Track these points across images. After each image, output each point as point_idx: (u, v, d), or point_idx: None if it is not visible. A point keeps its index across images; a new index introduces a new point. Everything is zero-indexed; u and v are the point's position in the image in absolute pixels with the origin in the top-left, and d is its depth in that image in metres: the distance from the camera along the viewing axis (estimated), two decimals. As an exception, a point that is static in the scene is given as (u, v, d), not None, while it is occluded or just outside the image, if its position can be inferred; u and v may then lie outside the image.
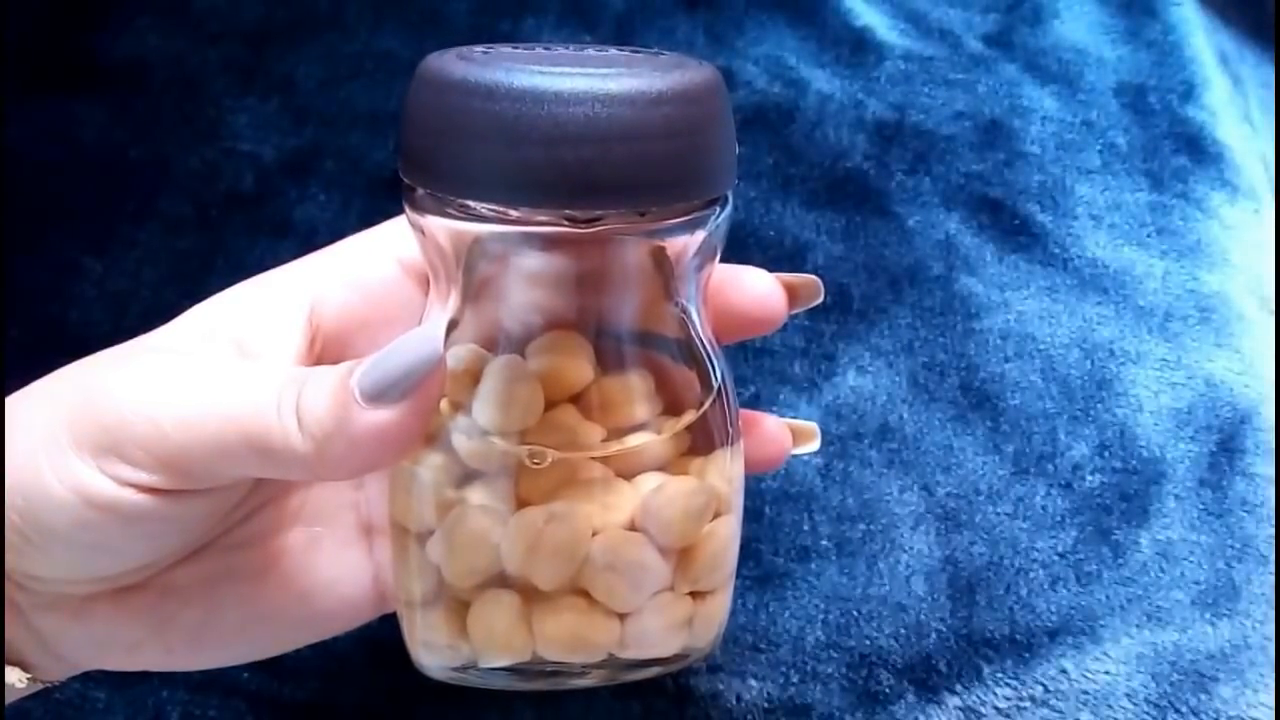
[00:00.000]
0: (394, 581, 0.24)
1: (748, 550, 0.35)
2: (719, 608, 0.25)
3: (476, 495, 0.23)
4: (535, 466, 0.23)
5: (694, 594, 0.24)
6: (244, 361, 0.23)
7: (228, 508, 0.24)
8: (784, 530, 0.35)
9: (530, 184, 0.20)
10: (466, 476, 0.23)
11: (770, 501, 0.36)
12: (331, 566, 0.26)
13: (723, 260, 0.27)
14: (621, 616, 0.23)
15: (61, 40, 0.45)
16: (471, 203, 0.21)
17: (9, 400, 0.22)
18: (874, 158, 0.42)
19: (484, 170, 0.20)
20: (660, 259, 0.23)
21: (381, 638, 0.32)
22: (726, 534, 0.24)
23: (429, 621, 0.24)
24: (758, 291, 0.26)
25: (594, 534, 0.23)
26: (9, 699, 0.25)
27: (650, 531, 0.23)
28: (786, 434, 0.27)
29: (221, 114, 0.43)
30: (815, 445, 0.28)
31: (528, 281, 0.23)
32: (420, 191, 0.22)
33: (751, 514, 0.35)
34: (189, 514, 0.22)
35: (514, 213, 0.20)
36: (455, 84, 0.20)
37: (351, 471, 0.21)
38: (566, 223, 0.21)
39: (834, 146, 0.42)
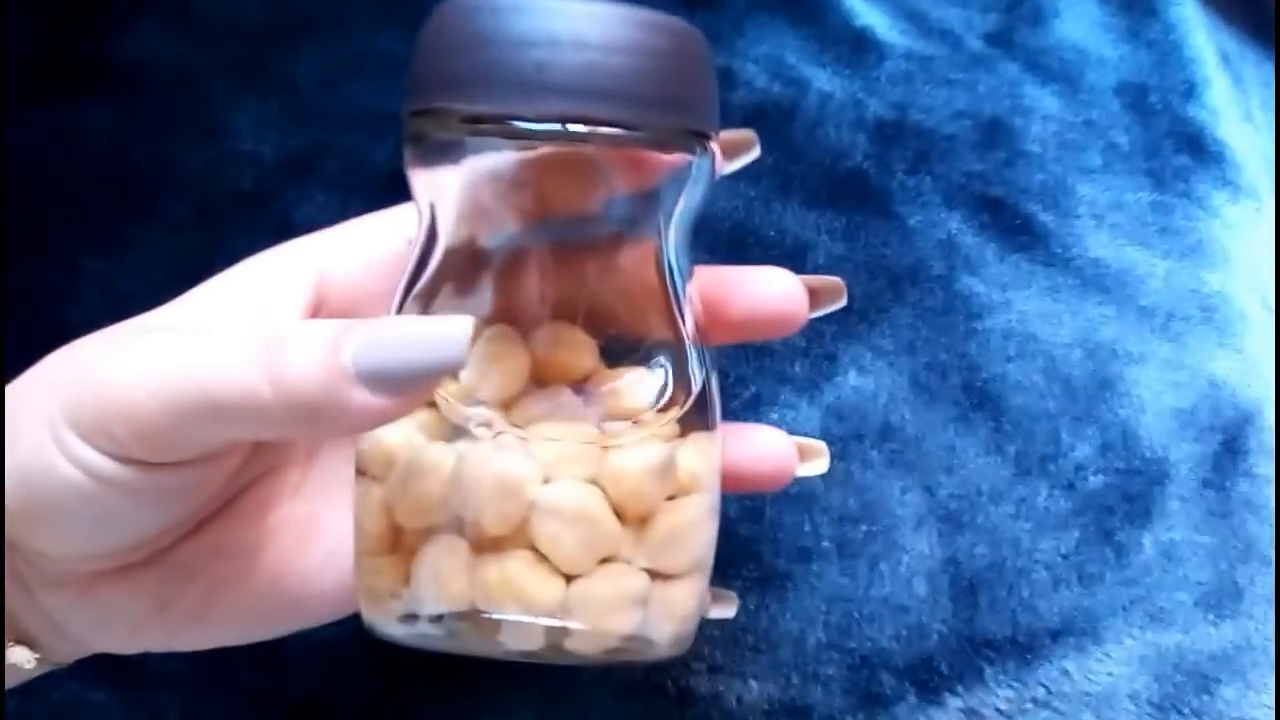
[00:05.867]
0: (354, 531, 0.24)
1: (748, 551, 0.35)
2: (682, 599, 0.24)
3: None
4: (481, 437, 0.22)
5: (654, 575, 0.23)
6: (220, 328, 0.23)
7: (231, 472, 0.24)
8: (784, 531, 0.35)
9: (530, 87, 0.21)
10: (438, 432, 0.23)
11: (770, 502, 0.36)
12: (328, 542, 0.26)
13: (723, 262, 0.27)
14: (568, 580, 0.22)
15: (63, 41, 0.45)
16: (467, 107, 0.22)
17: (10, 385, 0.23)
18: (874, 157, 0.42)
19: (484, 76, 0.21)
20: (645, 227, 0.24)
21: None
22: (694, 514, 0.24)
23: (376, 566, 0.23)
24: (780, 291, 0.26)
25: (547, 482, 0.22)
26: (19, 679, 0.25)
27: (604, 485, 0.23)
28: (793, 452, 0.27)
29: (222, 114, 0.43)
30: (824, 465, 0.27)
31: (517, 213, 0.23)
32: (421, 124, 0.22)
33: (752, 514, 0.35)
34: (193, 482, 0.23)
35: (515, 118, 0.21)
36: (459, 6, 0.22)
37: (332, 435, 0.21)
38: (562, 130, 0.21)
39: (834, 146, 0.42)
